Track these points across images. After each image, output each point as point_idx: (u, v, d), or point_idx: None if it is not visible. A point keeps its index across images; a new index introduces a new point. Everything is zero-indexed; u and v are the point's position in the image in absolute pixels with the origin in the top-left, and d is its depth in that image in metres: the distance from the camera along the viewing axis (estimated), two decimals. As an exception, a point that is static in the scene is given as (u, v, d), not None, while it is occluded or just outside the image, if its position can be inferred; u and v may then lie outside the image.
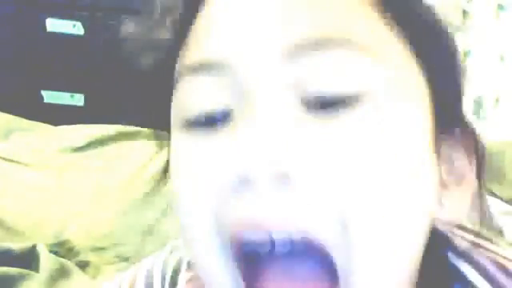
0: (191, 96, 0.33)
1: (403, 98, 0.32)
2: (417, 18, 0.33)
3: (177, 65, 0.35)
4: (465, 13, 1.25)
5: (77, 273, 0.92)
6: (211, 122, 0.32)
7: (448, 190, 0.34)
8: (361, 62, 0.31)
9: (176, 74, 0.35)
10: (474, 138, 0.35)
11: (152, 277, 0.45)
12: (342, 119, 0.30)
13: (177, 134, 0.34)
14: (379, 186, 0.30)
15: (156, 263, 0.46)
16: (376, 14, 0.32)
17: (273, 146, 0.29)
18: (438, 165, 0.33)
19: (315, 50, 0.31)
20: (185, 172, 0.33)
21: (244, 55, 0.31)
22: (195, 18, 0.35)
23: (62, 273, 0.89)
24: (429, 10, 0.34)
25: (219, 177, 0.30)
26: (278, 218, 0.30)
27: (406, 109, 0.32)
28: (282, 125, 0.30)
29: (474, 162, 0.35)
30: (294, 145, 0.30)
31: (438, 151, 0.33)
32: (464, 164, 0.35)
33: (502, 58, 1.36)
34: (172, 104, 0.35)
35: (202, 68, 0.32)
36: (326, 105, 0.30)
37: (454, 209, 0.34)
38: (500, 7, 1.38)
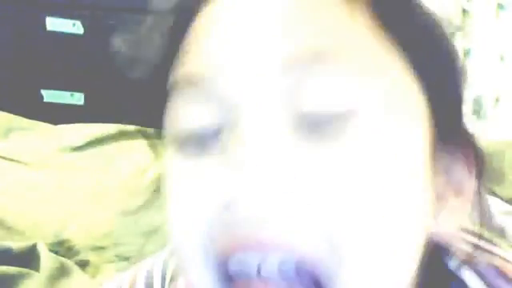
0: (181, 113, 0.33)
1: (398, 114, 0.31)
2: (414, 28, 0.33)
3: (170, 77, 0.34)
4: (465, 12, 1.25)
5: (77, 272, 0.92)
6: (201, 141, 0.32)
7: (446, 201, 0.34)
8: (355, 77, 0.30)
9: (168, 87, 0.34)
10: (474, 146, 0.34)
11: (152, 277, 0.45)
12: (334, 138, 0.30)
13: (170, 152, 0.34)
14: (371, 206, 0.29)
15: (156, 264, 0.46)
16: (372, 26, 0.32)
17: (261, 170, 0.29)
18: (436, 178, 0.33)
19: (308, 64, 0.30)
20: (176, 193, 0.33)
21: (233, 70, 0.31)
22: (188, 28, 0.34)
23: (62, 272, 0.90)
24: (426, 18, 0.33)
25: (208, 200, 0.30)
26: (267, 239, 0.29)
27: (401, 125, 0.31)
28: (272, 146, 0.29)
29: (474, 170, 0.34)
30: (282, 167, 0.29)
31: (435, 164, 0.33)
32: (463, 174, 0.34)
33: (501, 58, 1.36)
34: (166, 118, 0.34)
35: (191, 83, 0.32)
36: (318, 122, 0.30)
37: (453, 220, 0.34)
38: (500, 6, 1.38)
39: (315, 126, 0.30)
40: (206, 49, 0.32)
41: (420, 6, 0.33)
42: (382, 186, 0.30)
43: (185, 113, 0.32)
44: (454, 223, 0.34)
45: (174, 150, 0.33)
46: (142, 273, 0.46)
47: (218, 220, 0.30)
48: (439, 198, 0.33)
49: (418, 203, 0.32)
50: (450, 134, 0.33)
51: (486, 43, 1.31)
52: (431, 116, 0.32)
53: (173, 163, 0.33)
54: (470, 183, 0.34)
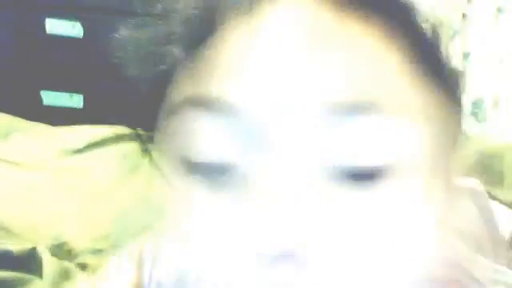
0: (194, 135, 0.30)
1: (435, 162, 0.30)
2: (444, 66, 0.32)
3: (175, 90, 0.32)
4: (464, 15, 1.26)
5: (78, 275, 0.92)
6: (219, 171, 0.30)
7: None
8: (395, 130, 0.29)
9: (172, 101, 0.32)
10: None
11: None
12: (368, 188, 0.28)
13: (178, 173, 0.31)
14: (396, 257, 0.29)
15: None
16: (410, 69, 0.30)
17: (289, 222, 0.27)
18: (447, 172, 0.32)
19: (350, 114, 0.28)
20: (188, 222, 0.31)
21: (270, 106, 0.28)
22: (208, 38, 0.31)
23: (64, 276, 0.89)
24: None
25: (229, 245, 0.29)
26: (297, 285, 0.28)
27: (432, 173, 0.30)
28: (304, 191, 0.28)
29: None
30: (312, 223, 0.28)
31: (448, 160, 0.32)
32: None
33: (501, 61, 1.36)
34: (165, 134, 0.32)
35: (214, 105, 0.29)
36: (353, 172, 0.28)
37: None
38: (499, 10, 1.38)
39: (350, 174, 0.28)
40: (240, 75, 0.29)
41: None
42: (415, 236, 0.29)
43: (202, 136, 0.30)
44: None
45: (183, 172, 0.31)
46: (154, 274, 0.45)
47: (238, 268, 0.29)
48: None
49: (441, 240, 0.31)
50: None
51: (486, 46, 1.32)
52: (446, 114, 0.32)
53: (182, 187, 0.31)
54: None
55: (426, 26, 0.31)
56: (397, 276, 0.29)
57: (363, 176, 0.28)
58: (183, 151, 0.31)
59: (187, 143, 0.30)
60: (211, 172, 0.30)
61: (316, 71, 0.29)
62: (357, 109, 0.28)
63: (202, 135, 0.30)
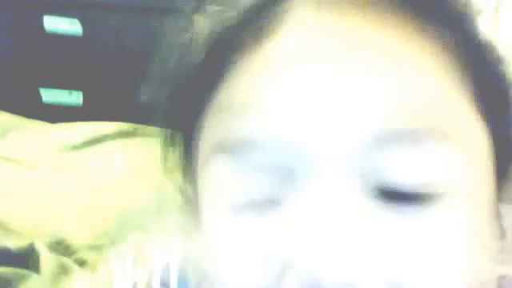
0: (234, 179, 0.29)
1: (479, 190, 0.29)
2: (496, 90, 0.30)
3: (202, 139, 0.31)
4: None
5: (76, 271, 0.92)
6: (259, 205, 0.29)
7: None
8: (445, 155, 0.28)
9: (201, 151, 0.31)
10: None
11: (169, 278, 0.44)
12: (411, 215, 0.27)
13: (219, 217, 0.30)
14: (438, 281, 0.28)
15: (171, 264, 0.44)
16: (459, 92, 0.29)
17: (345, 252, 0.26)
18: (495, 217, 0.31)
19: (399, 142, 0.27)
20: (231, 253, 0.29)
21: (312, 137, 0.27)
22: (227, 75, 0.30)
23: (62, 271, 0.89)
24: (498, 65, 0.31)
25: (265, 261, 0.28)
26: None
27: (479, 201, 0.29)
28: (352, 225, 0.27)
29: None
30: (350, 233, 0.27)
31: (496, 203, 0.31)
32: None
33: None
34: (200, 183, 0.31)
35: (247, 146, 0.28)
36: (397, 198, 0.27)
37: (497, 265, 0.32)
38: (497, 9, 1.37)
39: (393, 200, 0.28)
40: (270, 110, 0.28)
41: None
42: (455, 264, 0.28)
43: (238, 179, 0.29)
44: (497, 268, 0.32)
45: (224, 216, 0.30)
46: (158, 272, 0.44)
47: (273, 283, 0.28)
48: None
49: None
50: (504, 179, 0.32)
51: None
52: (496, 167, 0.31)
53: (225, 228, 0.30)
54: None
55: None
56: None
57: (408, 201, 0.27)
58: (225, 197, 0.30)
59: (226, 188, 0.30)
60: (255, 210, 0.29)
61: (361, 99, 0.27)
62: (406, 137, 0.27)
63: (240, 176, 0.29)
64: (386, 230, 0.27)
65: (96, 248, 1.02)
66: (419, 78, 0.28)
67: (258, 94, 0.28)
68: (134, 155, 1.11)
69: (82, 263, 0.98)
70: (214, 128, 0.30)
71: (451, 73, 0.29)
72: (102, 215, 1.05)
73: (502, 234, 0.32)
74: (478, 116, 0.30)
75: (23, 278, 0.85)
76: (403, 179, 0.27)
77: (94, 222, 1.04)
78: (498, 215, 0.31)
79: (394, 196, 0.27)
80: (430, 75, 0.28)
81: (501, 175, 0.31)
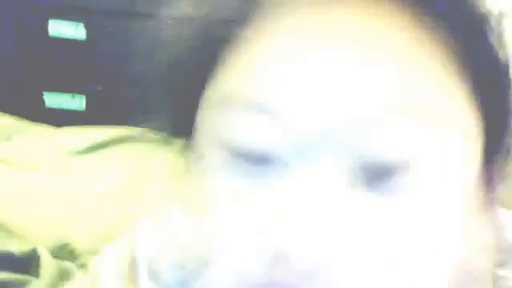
0: (239, 129, 0.31)
1: (460, 158, 0.30)
2: (486, 64, 0.31)
3: (213, 85, 0.32)
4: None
5: (79, 275, 0.92)
6: (262, 159, 0.30)
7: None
8: (423, 129, 0.29)
9: (211, 97, 0.32)
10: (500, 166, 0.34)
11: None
12: (392, 190, 0.28)
13: (219, 155, 0.32)
14: (421, 259, 0.29)
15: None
16: (443, 68, 0.30)
17: (315, 219, 0.28)
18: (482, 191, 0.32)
19: (380, 118, 0.28)
20: (226, 207, 0.31)
21: (307, 109, 0.29)
22: (250, 34, 0.31)
23: (62, 276, 0.89)
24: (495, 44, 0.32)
25: (257, 249, 0.29)
26: None
27: (460, 168, 0.30)
28: (327, 195, 0.28)
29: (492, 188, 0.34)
30: (337, 218, 0.28)
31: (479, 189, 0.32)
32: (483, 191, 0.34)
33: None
34: (204, 126, 0.33)
35: (255, 107, 0.30)
36: (378, 174, 0.29)
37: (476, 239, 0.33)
38: (501, 15, 1.37)
39: (374, 177, 0.29)
40: (279, 78, 0.30)
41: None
42: (437, 236, 0.29)
43: (244, 131, 0.30)
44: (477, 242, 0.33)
45: (225, 155, 0.31)
46: (143, 263, 0.45)
47: (262, 266, 0.29)
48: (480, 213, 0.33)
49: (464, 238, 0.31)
50: (494, 157, 0.33)
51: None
52: (484, 142, 0.32)
53: (220, 176, 0.32)
54: (488, 199, 0.34)
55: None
56: (421, 282, 0.29)
57: (385, 176, 0.29)
58: (224, 141, 0.31)
59: (229, 134, 0.31)
60: (251, 161, 0.30)
61: (346, 81, 0.29)
62: (384, 113, 0.29)
63: (248, 129, 0.30)
64: (371, 213, 0.28)
65: (99, 253, 1.02)
66: (402, 63, 0.29)
67: (268, 63, 0.30)
68: (138, 160, 1.11)
69: (85, 268, 0.98)
70: (224, 81, 0.31)
71: (441, 59, 0.30)
72: (105, 220, 1.05)
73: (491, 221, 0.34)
74: (468, 101, 0.31)
75: (24, 282, 0.85)
76: (384, 155, 0.29)
77: (97, 227, 1.04)
78: (484, 199, 0.32)
79: (370, 174, 0.29)
80: (412, 60, 0.30)
81: (488, 162, 0.32)
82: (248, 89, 0.30)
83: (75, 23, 1.45)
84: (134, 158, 1.14)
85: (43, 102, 1.48)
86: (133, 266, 0.45)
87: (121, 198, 1.09)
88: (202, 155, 0.33)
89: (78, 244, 1.01)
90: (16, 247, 0.90)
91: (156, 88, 0.36)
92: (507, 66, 0.32)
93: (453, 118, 0.30)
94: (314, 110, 0.29)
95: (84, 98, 1.49)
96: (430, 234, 0.29)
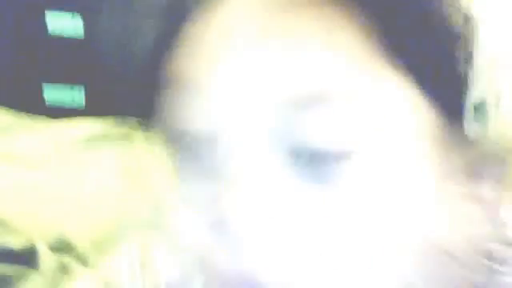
0: (181, 107, 0.32)
1: (402, 148, 0.30)
2: (423, 49, 0.31)
3: (164, 68, 0.34)
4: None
5: (78, 269, 0.92)
6: (197, 144, 0.31)
7: (459, 208, 0.33)
8: (354, 117, 0.29)
9: (162, 78, 0.34)
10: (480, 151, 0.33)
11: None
12: (328, 177, 0.29)
13: (168, 143, 0.34)
14: (357, 247, 0.29)
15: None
16: (372, 49, 0.30)
17: (250, 201, 0.29)
18: (446, 184, 0.32)
19: (302, 105, 0.29)
20: (175, 197, 0.33)
21: (227, 89, 0.30)
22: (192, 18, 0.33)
23: (62, 270, 0.89)
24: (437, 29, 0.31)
25: (200, 217, 0.30)
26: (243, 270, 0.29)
27: (404, 157, 0.30)
28: (262, 180, 0.29)
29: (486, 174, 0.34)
30: (270, 200, 0.29)
31: (447, 173, 0.32)
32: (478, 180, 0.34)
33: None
34: (159, 107, 0.34)
35: (185, 87, 0.31)
36: (313, 161, 0.29)
37: (462, 228, 0.33)
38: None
39: (310, 163, 0.29)
40: (208, 58, 0.31)
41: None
42: (376, 223, 0.29)
43: (186, 109, 0.32)
44: (463, 231, 0.33)
45: (171, 148, 0.33)
46: (165, 274, 0.45)
47: (206, 238, 0.30)
48: (452, 205, 0.33)
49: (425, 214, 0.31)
50: (457, 139, 0.33)
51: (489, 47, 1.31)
52: (437, 125, 0.32)
53: (171, 161, 0.34)
54: (488, 191, 0.34)
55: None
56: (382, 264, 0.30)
57: (320, 163, 0.29)
58: (171, 121, 0.33)
59: (174, 114, 0.32)
60: (195, 142, 0.31)
61: (270, 68, 0.29)
62: (309, 100, 0.29)
63: (187, 108, 0.31)
64: (305, 199, 0.29)
65: (98, 247, 1.02)
66: (326, 45, 0.30)
67: (189, 69, 0.31)
68: (137, 154, 1.11)
69: (83, 262, 0.98)
70: (170, 63, 0.33)
71: (369, 37, 0.30)
72: (104, 214, 1.05)
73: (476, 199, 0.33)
74: (405, 80, 0.31)
75: (23, 276, 0.85)
76: (316, 139, 0.29)
77: (96, 221, 1.04)
78: (447, 179, 0.32)
79: (309, 157, 0.29)
80: (340, 39, 0.30)
81: (449, 142, 0.32)
82: (185, 70, 0.32)
83: (73, 17, 1.44)
84: (133, 152, 1.14)
85: (42, 96, 1.48)
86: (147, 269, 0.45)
87: (120, 191, 1.09)
88: (162, 137, 0.35)
89: (77, 238, 1.02)
90: (14, 242, 0.90)
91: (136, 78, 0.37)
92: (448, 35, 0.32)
93: (390, 100, 0.30)
94: (243, 94, 0.29)
95: (83, 92, 1.49)
96: (375, 221, 0.29)
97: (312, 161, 0.29)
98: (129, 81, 0.37)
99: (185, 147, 0.32)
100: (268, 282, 0.29)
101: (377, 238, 0.29)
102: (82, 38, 1.44)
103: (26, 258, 0.90)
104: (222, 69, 0.30)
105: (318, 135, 0.28)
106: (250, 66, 0.30)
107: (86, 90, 1.48)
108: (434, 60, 0.32)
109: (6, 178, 1.09)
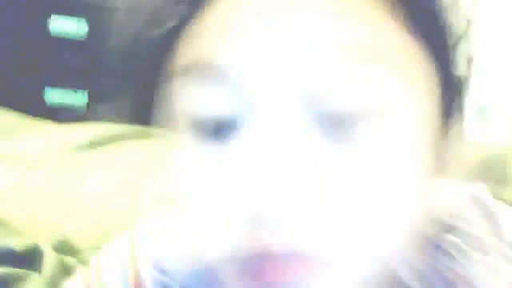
0: (195, 97, 0.32)
1: (418, 109, 0.31)
2: (431, 17, 0.33)
3: (172, 57, 0.33)
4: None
5: (80, 270, 0.92)
6: (217, 126, 0.31)
7: (442, 173, 0.34)
8: (377, 75, 0.30)
9: (174, 68, 0.33)
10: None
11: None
12: (357, 137, 0.29)
13: (180, 135, 0.33)
14: (381, 204, 0.30)
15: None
16: (391, 16, 0.31)
17: (285, 181, 0.28)
18: (437, 155, 0.33)
19: (330, 62, 0.29)
20: (193, 179, 0.32)
21: (254, 63, 0.30)
22: (198, 11, 0.33)
23: (64, 271, 0.89)
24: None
25: (230, 205, 0.30)
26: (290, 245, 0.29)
27: (418, 119, 0.31)
28: (293, 145, 0.29)
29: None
30: (305, 167, 0.29)
31: (438, 142, 0.33)
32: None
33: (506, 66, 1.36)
34: (169, 100, 0.33)
35: (207, 70, 0.31)
36: (341, 121, 0.29)
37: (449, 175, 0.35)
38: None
39: (338, 124, 0.30)
40: (227, 40, 0.31)
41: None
42: (396, 181, 0.30)
43: (198, 99, 0.31)
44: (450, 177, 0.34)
45: (188, 132, 0.32)
46: (150, 264, 0.45)
47: (242, 223, 0.29)
48: (437, 171, 0.34)
49: (421, 185, 0.32)
50: (452, 112, 0.34)
51: (491, 51, 1.31)
52: (441, 97, 0.33)
53: (188, 145, 0.33)
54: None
55: None
56: (383, 230, 0.30)
57: (349, 123, 0.29)
58: (183, 110, 0.32)
59: (187, 103, 0.32)
60: (210, 129, 0.31)
61: (297, 25, 0.30)
62: (335, 55, 0.29)
63: (203, 95, 0.31)
64: (330, 162, 0.29)
65: (100, 249, 1.02)
66: (352, 12, 0.30)
67: (219, 28, 0.31)
68: (140, 157, 1.11)
69: (85, 264, 0.98)
70: (186, 51, 0.33)
71: (387, 6, 0.31)
72: (106, 216, 1.05)
73: (443, 168, 0.34)
74: (418, 47, 0.32)
75: (22, 278, 0.85)
76: (342, 104, 0.29)
77: (98, 223, 1.04)
78: (441, 148, 0.33)
79: (333, 122, 0.29)
80: (362, 9, 0.31)
81: (446, 112, 0.34)
82: (198, 54, 0.31)
83: (77, 20, 1.45)
84: (134, 154, 1.14)
85: (44, 98, 1.48)
86: (136, 263, 0.45)
87: (121, 194, 1.09)
88: (170, 130, 0.34)
89: (79, 240, 1.02)
90: (16, 243, 0.90)
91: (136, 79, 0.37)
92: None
93: (408, 69, 0.31)
94: (261, 65, 0.30)
95: (86, 94, 1.49)
96: (387, 183, 0.30)
97: (333, 123, 0.29)
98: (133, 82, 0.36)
99: (206, 135, 0.31)
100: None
101: (376, 203, 0.30)
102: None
103: (28, 259, 0.90)
104: (234, 43, 0.30)
105: (340, 97, 0.29)
106: (264, 32, 0.30)
107: (89, 94, 1.48)
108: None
109: (7, 179, 1.09)
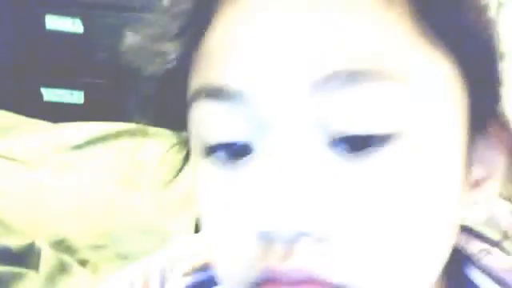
0: (207, 122, 0.31)
1: (440, 128, 0.29)
2: (457, 24, 0.30)
3: (190, 81, 0.32)
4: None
5: (76, 269, 0.92)
6: (232, 153, 0.30)
7: (480, 187, 0.33)
8: (395, 96, 0.28)
9: (189, 93, 0.32)
10: (507, 128, 0.32)
11: (166, 276, 0.44)
12: (370, 158, 0.28)
13: (198, 159, 0.32)
14: (402, 227, 0.29)
15: (168, 262, 0.45)
16: (414, 28, 0.29)
17: (297, 201, 0.27)
18: (471, 167, 0.32)
19: (345, 84, 0.27)
20: (209, 203, 0.32)
21: (265, 86, 0.28)
22: (208, 28, 0.31)
23: (61, 269, 0.89)
24: (469, 14, 0.31)
25: (241, 228, 0.29)
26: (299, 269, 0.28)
27: (441, 139, 0.29)
28: (309, 173, 0.28)
29: (505, 151, 0.33)
30: (319, 199, 0.28)
31: (471, 153, 0.31)
32: (494, 155, 0.33)
33: (501, 56, 1.35)
34: (189, 124, 0.33)
35: (216, 94, 0.30)
36: (354, 145, 0.28)
37: (485, 204, 0.33)
38: (500, 5, 1.37)
39: (350, 145, 0.28)
40: (236, 59, 0.29)
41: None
42: (415, 205, 0.29)
43: (211, 123, 0.30)
44: (486, 206, 0.33)
45: (202, 158, 0.32)
46: (155, 271, 0.45)
47: (248, 250, 0.29)
48: (474, 184, 0.32)
49: (452, 206, 0.31)
50: (487, 121, 0.32)
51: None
52: (470, 107, 0.31)
53: (203, 171, 0.32)
54: (500, 164, 0.33)
55: None
56: (405, 260, 0.29)
57: (362, 145, 0.28)
58: (200, 137, 0.31)
59: (202, 130, 0.31)
60: (226, 153, 0.30)
61: (309, 44, 0.28)
62: (347, 80, 0.28)
63: (215, 120, 0.30)
64: (343, 180, 0.28)
65: (97, 248, 1.01)
66: (366, 18, 0.29)
67: (226, 50, 0.30)
68: (136, 155, 1.11)
69: (83, 263, 0.98)
70: (197, 75, 0.32)
71: (407, 17, 0.29)
72: (103, 215, 1.05)
73: (475, 184, 0.33)
74: (447, 63, 0.30)
75: (19, 276, 0.85)
76: (353, 125, 0.28)
77: (95, 222, 1.04)
78: (469, 165, 0.32)
79: (345, 142, 0.28)
80: (377, 13, 0.29)
81: (476, 127, 0.32)
82: (206, 79, 0.30)
83: (72, 19, 1.44)
84: (131, 152, 1.14)
85: (41, 96, 1.48)
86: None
87: (119, 193, 1.09)
88: (191, 149, 0.33)
89: (76, 239, 1.01)
90: (13, 241, 0.90)
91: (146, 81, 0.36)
92: (490, 34, 0.31)
93: (432, 85, 0.29)
94: (274, 86, 0.28)
95: (82, 93, 1.49)
96: (407, 208, 0.29)
97: (353, 144, 0.28)
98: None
99: (213, 160, 0.31)
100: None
101: (396, 226, 0.28)
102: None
103: (25, 257, 0.90)
104: (246, 66, 0.29)
105: (356, 117, 0.28)
106: (276, 50, 0.28)
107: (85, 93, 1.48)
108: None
109: (5, 179, 1.09)
